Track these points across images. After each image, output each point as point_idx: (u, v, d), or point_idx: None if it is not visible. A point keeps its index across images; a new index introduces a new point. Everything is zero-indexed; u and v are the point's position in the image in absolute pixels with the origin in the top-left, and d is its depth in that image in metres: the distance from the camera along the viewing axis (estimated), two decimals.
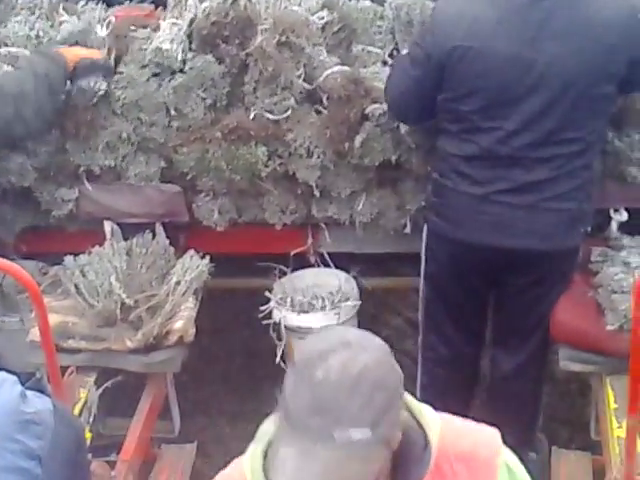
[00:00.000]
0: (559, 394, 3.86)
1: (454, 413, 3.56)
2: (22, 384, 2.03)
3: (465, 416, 3.55)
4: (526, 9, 2.92)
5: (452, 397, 3.54)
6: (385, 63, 3.48)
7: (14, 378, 1.96)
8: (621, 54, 2.93)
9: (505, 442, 3.21)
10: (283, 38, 3.33)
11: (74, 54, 3.40)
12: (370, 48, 3.50)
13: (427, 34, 3.11)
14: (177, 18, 3.49)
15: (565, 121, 2.97)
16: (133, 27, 3.55)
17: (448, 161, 3.14)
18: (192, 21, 3.45)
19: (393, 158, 3.45)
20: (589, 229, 3.24)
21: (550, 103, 2.95)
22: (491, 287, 3.31)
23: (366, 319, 3.99)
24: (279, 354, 3.70)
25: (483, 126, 3.02)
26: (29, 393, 1.98)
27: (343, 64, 3.43)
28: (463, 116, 3.06)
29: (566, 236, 3.13)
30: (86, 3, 3.70)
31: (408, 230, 3.62)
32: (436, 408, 3.56)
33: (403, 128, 3.37)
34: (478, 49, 2.95)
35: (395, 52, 3.50)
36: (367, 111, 3.38)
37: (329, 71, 3.39)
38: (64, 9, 3.66)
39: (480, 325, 3.46)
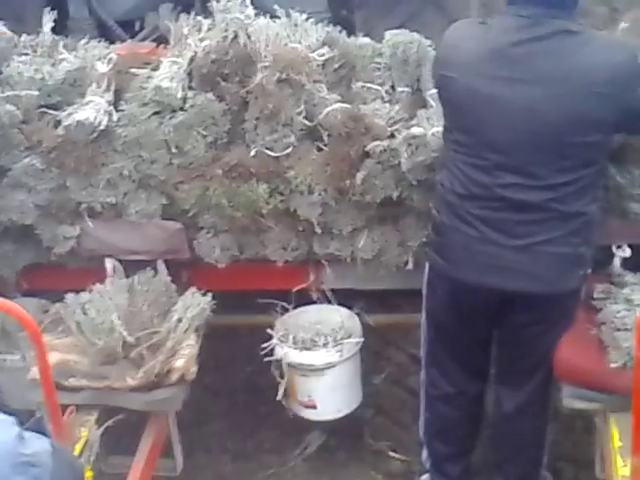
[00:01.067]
0: (564, 432, 3.82)
1: (456, 450, 3.57)
2: (22, 423, 2.01)
3: (469, 453, 3.55)
4: (507, 49, 2.91)
5: (455, 434, 3.53)
6: (384, 100, 3.49)
7: (12, 419, 1.94)
8: (609, 102, 2.86)
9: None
10: (283, 75, 3.34)
11: None
12: (370, 85, 3.51)
13: (435, 56, 3.22)
14: (177, 56, 3.50)
15: (551, 167, 2.93)
16: (134, 65, 3.56)
17: (444, 198, 3.13)
18: (192, 59, 3.47)
19: (394, 195, 3.45)
20: (589, 271, 3.20)
21: (533, 148, 2.92)
22: (492, 324, 3.29)
23: (369, 355, 3.99)
24: (281, 391, 3.69)
25: (468, 163, 3.02)
26: (27, 434, 1.96)
27: (343, 101, 3.44)
28: (453, 149, 3.07)
29: (563, 279, 3.10)
30: (88, 41, 3.71)
31: (410, 266, 3.61)
32: (439, 444, 3.56)
33: (404, 165, 3.36)
34: (460, 82, 2.97)
35: (392, 89, 3.50)
36: (368, 148, 3.39)
37: (329, 108, 3.40)
38: (64, 46, 3.67)
39: (483, 362, 3.43)
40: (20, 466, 1.86)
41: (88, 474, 3.03)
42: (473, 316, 3.25)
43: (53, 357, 3.04)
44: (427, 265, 3.35)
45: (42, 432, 2.18)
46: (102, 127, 3.44)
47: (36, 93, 3.54)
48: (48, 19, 3.75)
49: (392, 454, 4.01)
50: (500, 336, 3.32)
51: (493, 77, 2.92)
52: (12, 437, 1.89)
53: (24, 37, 3.74)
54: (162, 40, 3.95)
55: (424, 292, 3.38)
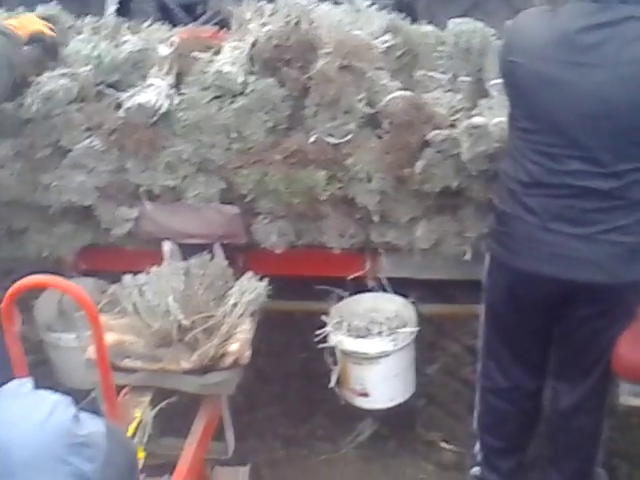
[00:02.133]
0: (620, 429, 3.79)
1: (508, 445, 3.53)
2: (77, 402, 2.02)
3: (522, 448, 3.52)
4: (577, 35, 2.87)
5: (508, 429, 3.50)
6: (446, 88, 3.46)
7: (68, 400, 1.96)
8: None
9: (565, 476, 3.16)
10: (345, 62, 3.32)
11: (26, 28, 3.45)
12: (432, 73, 3.49)
13: (502, 43, 3.17)
14: (239, 41, 3.50)
15: (617, 153, 2.89)
16: (196, 49, 3.56)
17: (507, 186, 3.10)
18: (254, 44, 3.46)
19: (454, 184, 3.42)
20: None
21: (598, 133, 2.88)
22: (552, 320, 3.25)
23: (424, 346, 3.97)
24: (334, 379, 3.69)
25: (535, 150, 2.98)
26: (82, 415, 1.97)
27: (405, 89, 3.42)
28: (519, 136, 3.03)
29: (627, 269, 3.04)
30: (151, 24, 3.72)
31: (468, 257, 3.58)
32: (491, 438, 3.53)
33: (464, 155, 3.33)
34: (527, 67, 2.93)
35: (454, 78, 3.47)
36: (428, 137, 3.36)
37: (391, 96, 3.38)
38: (128, 29, 3.69)
39: (540, 358, 3.39)
40: (75, 446, 1.87)
41: (141, 455, 3.05)
42: (533, 309, 3.22)
43: (109, 338, 3.06)
44: (488, 256, 3.32)
45: (96, 412, 2.20)
46: (163, 110, 3.44)
47: (91, 70, 3.55)
48: (112, 1, 3.77)
49: (444, 445, 4.00)
50: (560, 331, 3.28)
51: (560, 62, 2.88)
52: (68, 418, 1.90)
53: (88, 19, 3.76)
54: (224, 24, 3.96)
55: (484, 283, 3.35)
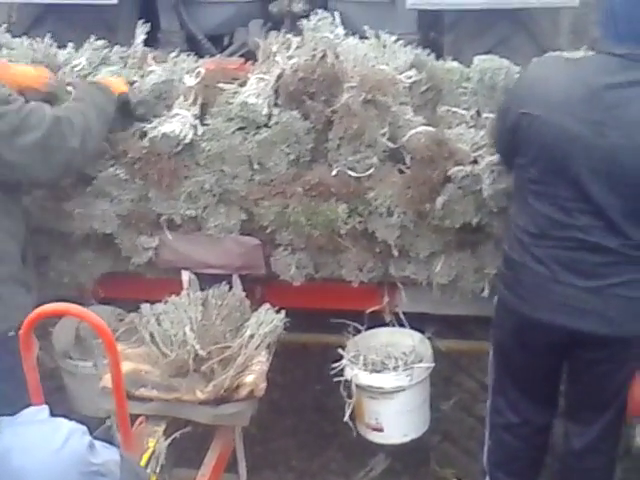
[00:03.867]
0: (635, 470, 3.76)
1: None
2: (92, 430, 2.03)
3: None
4: (600, 92, 2.84)
5: (518, 464, 3.48)
6: (469, 125, 3.47)
7: (84, 428, 1.96)
8: None
9: None
10: (369, 96, 3.33)
11: (117, 87, 3.49)
12: (455, 109, 3.49)
13: (509, 93, 3.14)
14: (265, 73, 3.51)
15: (629, 213, 2.89)
16: (222, 80, 3.57)
17: (515, 234, 3.10)
18: (279, 77, 3.47)
19: (474, 221, 3.43)
20: None
21: (612, 192, 2.87)
22: (561, 358, 3.25)
23: (439, 381, 3.96)
24: (348, 412, 3.67)
25: (546, 200, 2.97)
26: (97, 443, 1.98)
27: (428, 124, 3.42)
28: (527, 187, 3.01)
29: (636, 323, 3.03)
30: (177, 54, 3.74)
31: (486, 294, 3.57)
32: (501, 474, 3.50)
33: (485, 191, 3.33)
34: (544, 119, 2.90)
35: (477, 115, 3.48)
36: (450, 173, 3.36)
37: (414, 131, 3.38)
38: (154, 59, 3.71)
39: (550, 393, 3.39)
40: (89, 475, 1.88)
41: None
42: (541, 351, 3.22)
43: (125, 366, 3.06)
44: (496, 297, 3.32)
45: (111, 441, 2.20)
46: (187, 140, 3.46)
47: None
48: (141, 31, 3.79)
49: None
50: (570, 371, 3.28)
51: (582, 118, 2.85)
52: (83, 446, 1.91)
53: (116, 48, 3.78)
54: (250, 56, 3.98)
55: (493, 323, 3.36)
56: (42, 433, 1.91)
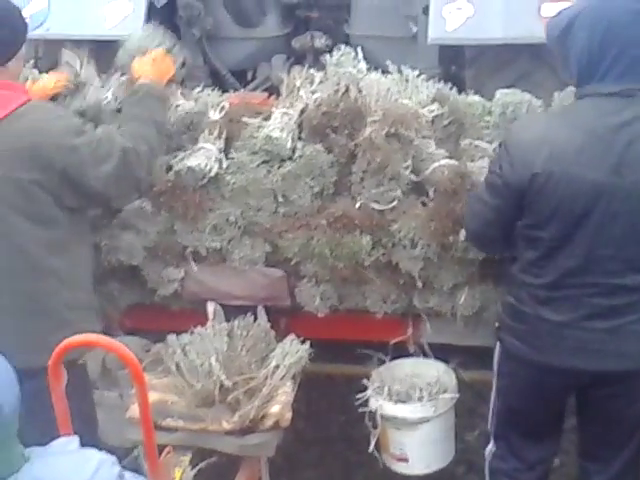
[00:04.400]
0: None
1: None
2: (119, 461, 2.05)
3: None
4: (611, 134, 2.82)
5: None
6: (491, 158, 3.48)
7: (113, 459, 1.99)
8: None
9: None
10: (392, 130, 3.35)
11: (164, 78, 3.55)
12: (478, 142, 3.50)
13: (504, 163, 2.99)
14: (289, 107, 3.55)
15: None
16: (246, 114, 3.62)
17: (525, 289, 3.06)
18: (303, 111, 3.52)
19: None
20: None
21: (632, 230, 2.86)
22: (568, 399, 3.25)
23: (463, 412, 3.95)
24: (373, 443, 3.68)
25: (562, 252, 2.93)
26: (126, 473, 2.00)
27: (451, 157, 3.45)
28: (541, 243, 2.97)
29: None
30: (202, 89, 3.79)
31: (498, 325, 3.57)
32: None
33: None
34: (559, 175, 2.85)
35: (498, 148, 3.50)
36: None
37: (437, 164, 3.41)
38: (181, 94, 3.75)
39: (556, 434, 3.35)
40: None
41: None
42: (554, 396, 3.20)
43: (152, 396, 3.08)
44: (498, 347, 3.29)
45: (138, 471, 2.23)
46: (212, 174, 3.51)
47: None
48: None
49: None
50: (584, 410, 3.25)
51: (599, 165, 2.82)
52: (113, 476, 1.94)
53: None
54: (273, 90, 4.03)
55: (495, 370, 3.33)
56: (73, 463, 1.94)
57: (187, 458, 3.29)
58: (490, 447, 3.46)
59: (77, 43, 3.97)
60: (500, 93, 3.51)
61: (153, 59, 3.56)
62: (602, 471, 3.26)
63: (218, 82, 4.37)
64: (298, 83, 3.64)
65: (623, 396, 3.09)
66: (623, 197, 2.84)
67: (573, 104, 3.05)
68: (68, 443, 2.04)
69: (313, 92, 3.55)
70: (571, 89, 3.19)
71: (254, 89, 4.33)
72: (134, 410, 3.17)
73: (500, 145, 3.11)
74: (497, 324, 3.32)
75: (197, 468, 3.26)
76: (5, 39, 3.18)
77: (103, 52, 3.96)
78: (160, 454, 3.07)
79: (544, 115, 3.11)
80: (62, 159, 3.13)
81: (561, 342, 3.02)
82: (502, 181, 2.99)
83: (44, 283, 3.21)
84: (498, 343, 3.28)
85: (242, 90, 4.07)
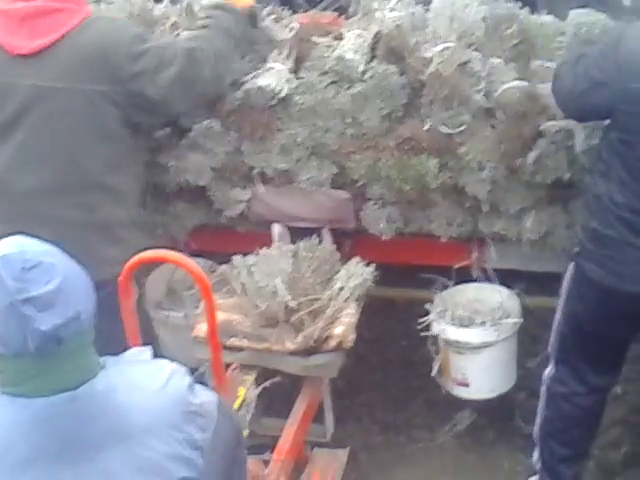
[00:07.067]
0: None
1: (572, 452, 3.44)
2: None
3: (587, 454, 3.44)
4: None
5: (574, 434, 3.48)
6: None
7: (184, 369, 2.01)
8: None
9: None
10: (463, 59, 3.34)
11: (245, 3, 3.54)
12: (549, 64, 3.43)
13: (611, 63, 2.96)
14: (364, 30, 3.52)
15: None
16: (316, 34, 3.60)
17: (613, 211, 3.03)
18: (377, 34, 3.48)
19: (566, 176, 3.39)
20: None
21: None
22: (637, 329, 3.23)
23: (526, 338, 3.95)
24: (435, 367, 3.69)
25: None
26: (197, 385, 2.03)
27: (521, 78, 3.40)
28: (633, 162, 2.95)
29: None
30: (272, 9, 3.77)
31: (577, 250, 3.54)
32: (555, 444, 3.42)
33: (578, 147, 3.30)
34: None
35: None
36: (542, 127, 3.34)
37: (506, 86, 3.36)
38: None
39: (618, 362, 3.37)
40: (190, 415, 1.92)
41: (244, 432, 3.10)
42: (628, 323, 3.19)
43: (218, 316, 3.08)
44: (572, 269, 3.27)
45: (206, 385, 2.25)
46: (282, 94, 3.48)
47: None
48: None
49: None
50: None
51: None
52: (184, 386, 1.96)
53: None
54: (342, 11, 3.99)
55: (564, 292, 3.32)
56: (146, 372, 1.96)
57: (251, 377, 3.32)
58: (549, 370, 3.47)
59: None
60: (574, 13, 3.45)
61: None
62: None
63: (287, 3, 4.33)
64: (375, 5, 3.59)
65: None
66: None
67: None
68: (141, 352, 2.07)
69: (391, 10, 3.49)
70: None
71: (323, 9, 4.28)
72: (200, 329, 3.22)
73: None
74: (576, 249, 3.26)
75: (261, 387, 3.29)
76: None
77: None
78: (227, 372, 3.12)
79: None
80: (130, 67, 3.16)
81: None
82: (602, 79, 2.97)
83: (98, 199, 3.24)
84: (572, 265, 3.26)
85: (311, 11, 4.02)
